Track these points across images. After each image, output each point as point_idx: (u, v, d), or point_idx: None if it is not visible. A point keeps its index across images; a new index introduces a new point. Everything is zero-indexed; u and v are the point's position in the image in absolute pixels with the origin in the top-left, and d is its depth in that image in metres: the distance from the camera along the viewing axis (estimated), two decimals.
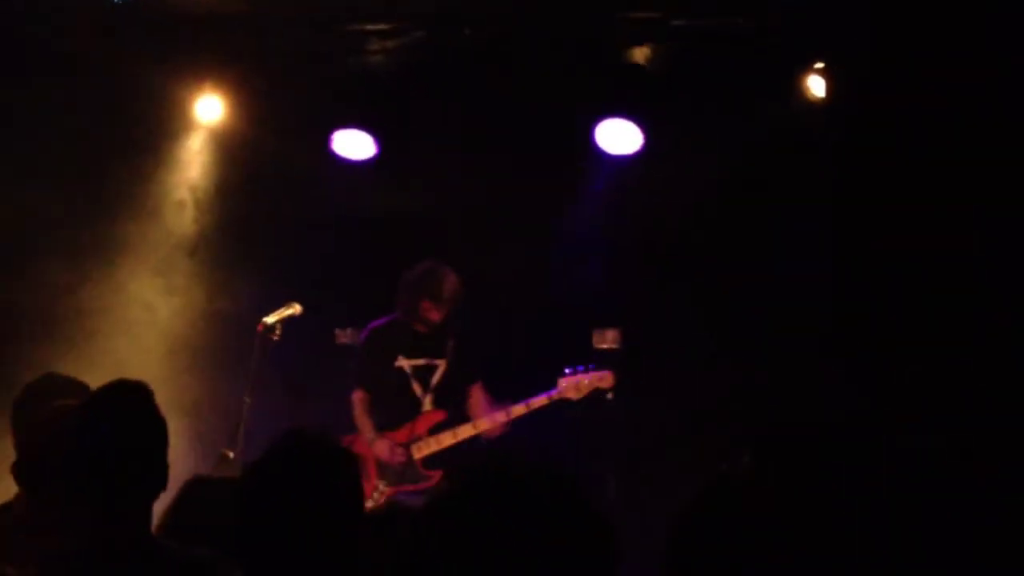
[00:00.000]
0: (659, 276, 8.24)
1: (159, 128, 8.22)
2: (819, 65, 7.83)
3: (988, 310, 6.88)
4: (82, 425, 3.32)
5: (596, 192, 8.20)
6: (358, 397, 7.45)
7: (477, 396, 7.40)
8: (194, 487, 3.77)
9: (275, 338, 6.79)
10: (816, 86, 7.87)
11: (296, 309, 6.95)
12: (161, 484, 3.37)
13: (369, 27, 8.05)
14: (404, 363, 7.38)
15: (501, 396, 7.38)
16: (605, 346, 8.02)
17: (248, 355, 6.91)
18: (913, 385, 7.45)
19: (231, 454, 6.44)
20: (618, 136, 8.06)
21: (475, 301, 7.61)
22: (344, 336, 7.89)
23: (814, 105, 7.87)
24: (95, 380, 4.90)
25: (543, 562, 2.08)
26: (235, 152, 8.34)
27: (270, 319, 6.82)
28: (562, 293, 8.10)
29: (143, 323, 8.11)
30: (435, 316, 7.30)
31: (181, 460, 7.26)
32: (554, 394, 7.26)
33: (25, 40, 7.65)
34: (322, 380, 7.82)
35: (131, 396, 3.38)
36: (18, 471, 3.84)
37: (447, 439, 7.26)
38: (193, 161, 8.35)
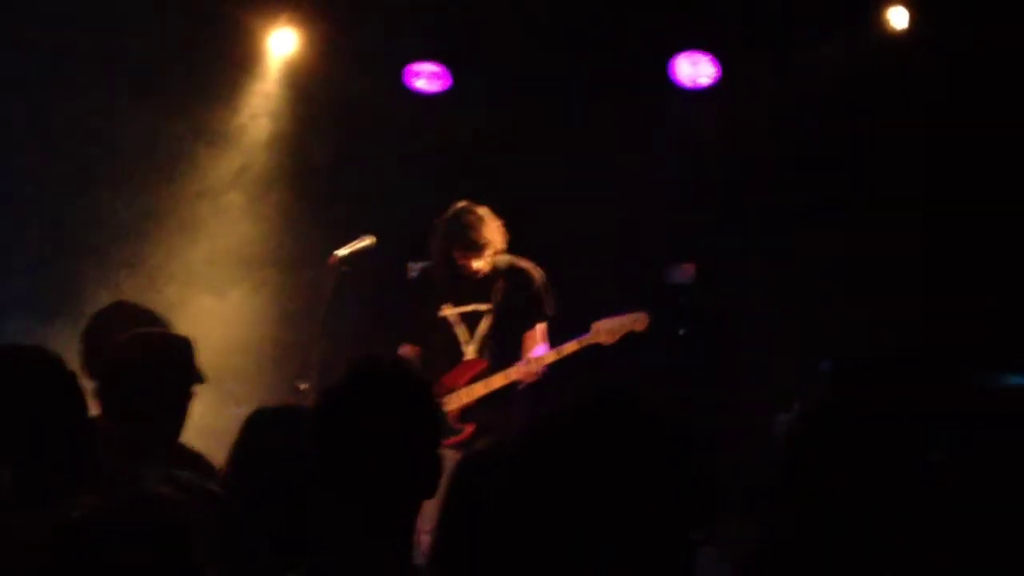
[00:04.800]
0: (734, 209, 8.17)
1: (233, 61, 8.24)
2: None
3: None
4: None
5: (672, 125, 8.13)
6: (403, 353, 6.91)
7: (531, 339, 6.86)
8: (258, 418, 3.78)
9: (348, 270, 6.77)
10: (897, 18, 7.74)
11: (369, 241, 6.92)
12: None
13: None
14: (450, 312, 6.87)
15: (574, 332, 6.85)
16: (679, 280, 7.96)
17: (322, 287, 6.91)
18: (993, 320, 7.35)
19: (304, 386, 6.46)
20: (694, 69, 8.00)
21: (547, 235, 7.55)
22: (416, 270, 7.80)
23: (894, 38, 7.75)
24: (169, 307, 4.96)
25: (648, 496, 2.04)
26: (309, 84, 8.35)
27: (343, 251, 6.79)
28: (636, 226, 8.05)
29: (220, 252, 8.19)
30: (473, 265, 6.81)
31: (258, 389, 7.41)
32: (586, 339, 6.73)
33: None
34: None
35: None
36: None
37: (479, 389, 6.75)
38: (267, 94, 8.36)
